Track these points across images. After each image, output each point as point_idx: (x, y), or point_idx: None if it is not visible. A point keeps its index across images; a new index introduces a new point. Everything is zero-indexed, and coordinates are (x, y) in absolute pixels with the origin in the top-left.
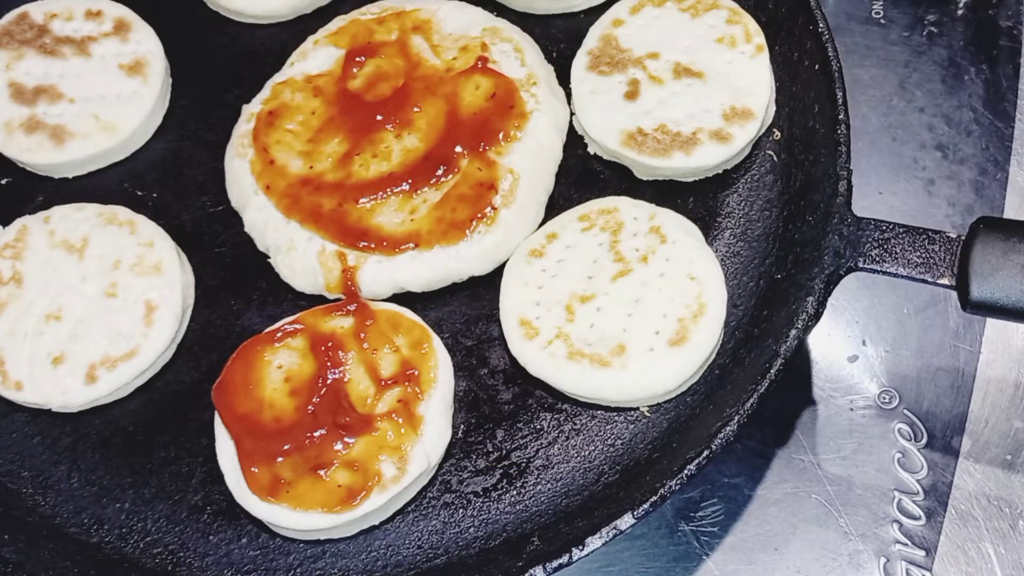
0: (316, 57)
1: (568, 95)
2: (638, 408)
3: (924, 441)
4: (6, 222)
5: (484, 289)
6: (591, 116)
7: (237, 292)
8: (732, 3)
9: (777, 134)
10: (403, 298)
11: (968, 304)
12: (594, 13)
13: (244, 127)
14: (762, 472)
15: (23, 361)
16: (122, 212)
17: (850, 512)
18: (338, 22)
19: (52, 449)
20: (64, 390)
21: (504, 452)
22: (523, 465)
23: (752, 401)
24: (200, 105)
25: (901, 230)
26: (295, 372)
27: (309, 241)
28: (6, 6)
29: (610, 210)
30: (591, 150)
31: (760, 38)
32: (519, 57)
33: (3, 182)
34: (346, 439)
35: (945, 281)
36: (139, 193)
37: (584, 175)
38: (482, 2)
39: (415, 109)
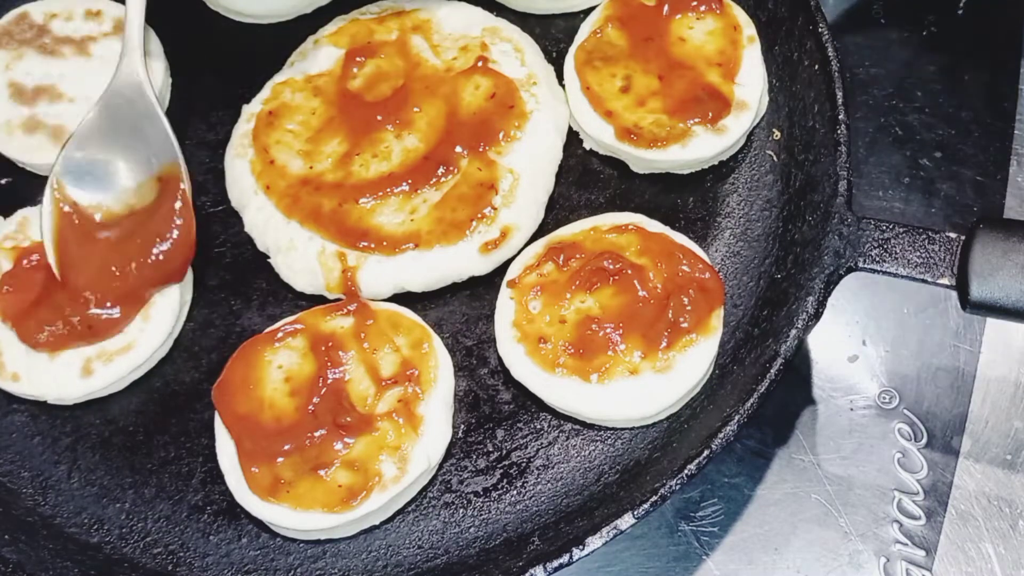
0: (316, 57)
1: None
2: None
3: (924, 441)
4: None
5: (484, 289)
6: (586, 111)
7: (237, 292)
8: None
9: (777, 134)
10: (403, 298)
11: (968, 304)
12: None
13: (244, 127)
14: (762, 472)
15: (20, 353)
16: None
17: (850, 512)
18: (338, 22)
19: (52, 449)
20: (60, 383)
21: (504, 452)
22: (523, 465)
23: (752, 401)
24: (200, 105)
25: (901, 230)
26: (295, 372)
27: (309, 241)
28: (6, 6)
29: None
30: (587, 145)
31: (751, 29)
32: (519, 57)
33: (3, 182)
34: (346, 439)
35: (945, 281)
36: None
37: (584, 174)
38: (482, 2)
39: (415, 109)
